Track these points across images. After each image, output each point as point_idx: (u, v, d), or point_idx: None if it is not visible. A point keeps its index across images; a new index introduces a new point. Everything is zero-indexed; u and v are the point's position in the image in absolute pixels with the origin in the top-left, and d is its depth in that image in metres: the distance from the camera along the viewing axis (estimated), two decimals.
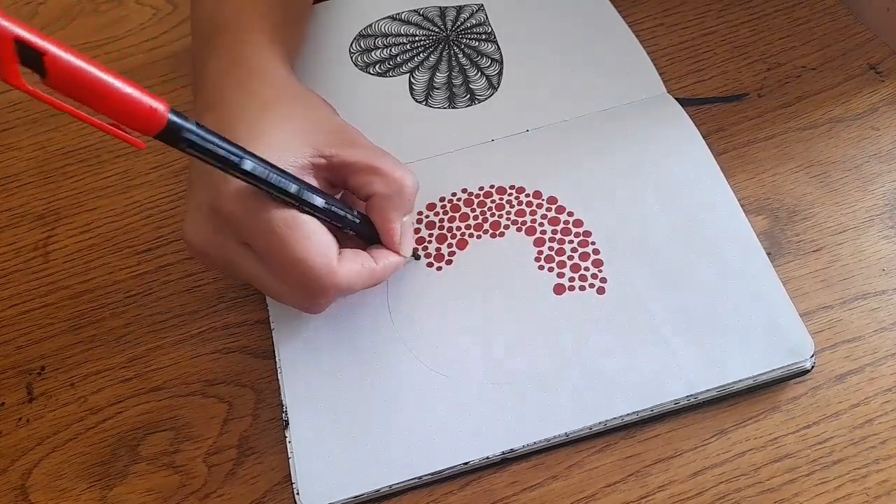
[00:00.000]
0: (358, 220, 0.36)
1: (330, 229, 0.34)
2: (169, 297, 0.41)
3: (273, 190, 0.32)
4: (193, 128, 0.29)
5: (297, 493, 0.34)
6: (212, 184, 0.33)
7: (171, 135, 0.28)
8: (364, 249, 0.36)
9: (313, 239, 0.32)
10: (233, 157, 0.30)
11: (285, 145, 0.34)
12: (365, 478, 0.34)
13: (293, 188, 0.32)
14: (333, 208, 0.34)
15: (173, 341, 0.40)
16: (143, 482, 0.36)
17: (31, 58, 0.24)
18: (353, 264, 0.34)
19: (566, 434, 0.34)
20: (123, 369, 0.39)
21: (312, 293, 0.33)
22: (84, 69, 0.25)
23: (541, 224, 0.40)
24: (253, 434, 0.37)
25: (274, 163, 0.32)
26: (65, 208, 0.45)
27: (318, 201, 0.33)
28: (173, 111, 0.28)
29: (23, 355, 0.40)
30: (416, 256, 0.39)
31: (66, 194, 0.46)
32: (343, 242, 0.35)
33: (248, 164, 0.30)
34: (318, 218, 0.33)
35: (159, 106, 0.27)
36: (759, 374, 0.35)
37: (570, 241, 0.39)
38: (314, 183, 0.34)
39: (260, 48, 0.38)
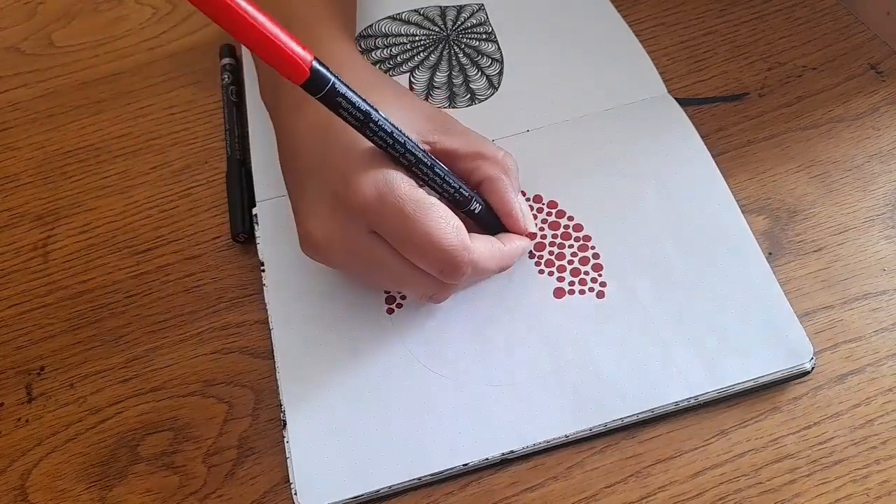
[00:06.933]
0: (482, 205, 0.36)
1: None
2: (169, 297, 0.41)
3: (408, 154, 0.32)
4: (337, 79, 0.29)
5: (296, 494, 0.34)
6: (334, 173, 0.32)
7: (314, 85, 0.28)
8: None
9: (445, 218, 0.32)
10: (373, 111, 0.30)
11: None
12: (364, 478, 0.34)
13: (427, 159, 0.32)
14: (462, 189, 0.34)
15: (173, 341, 0.40)
16: (142, 482, 0.36)
17: None
18: (484, 243, 0.34)
19: (566, 436, 0.34)
20: (123, 369, 0.39)
21: (448, 271, 0.33)
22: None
23: (541, 228, 0.40)
24: (252, 434, 0.37)
25: None
26: (64, 208, 0.45)
27: (450, 175, 0.34)
28: (318, 60, 0.28)
29: (22, 355, 0.40)
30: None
31: (66, 194, 0.46)
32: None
33: (387, 124, 0.31)
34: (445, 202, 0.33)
35: (306, 55, 0.27)
36: (759, 377, 0.35)
37: (570, 246, 0.39)
38: None
39: (337, 41, 0.37)
